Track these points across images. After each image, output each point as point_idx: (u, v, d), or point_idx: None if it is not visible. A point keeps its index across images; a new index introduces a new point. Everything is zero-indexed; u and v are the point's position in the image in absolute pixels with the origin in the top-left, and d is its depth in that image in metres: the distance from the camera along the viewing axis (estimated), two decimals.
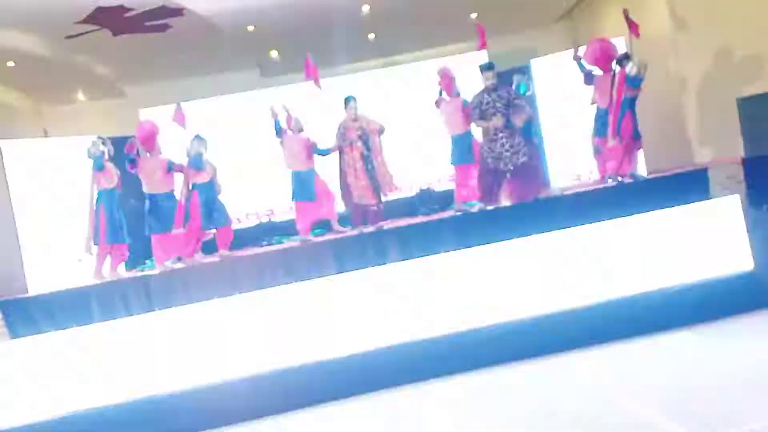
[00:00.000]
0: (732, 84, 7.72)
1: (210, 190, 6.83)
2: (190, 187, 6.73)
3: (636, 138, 7.09)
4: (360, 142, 6.89)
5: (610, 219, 5.84)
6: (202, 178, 6.80)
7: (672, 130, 8.18)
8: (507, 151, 6.60)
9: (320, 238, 6.99)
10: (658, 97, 7.78)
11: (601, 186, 7.14)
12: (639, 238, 5.77)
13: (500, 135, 6.62)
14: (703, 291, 5.68)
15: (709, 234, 5.84)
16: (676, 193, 6.35)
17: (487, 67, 6.82)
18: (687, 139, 8.14)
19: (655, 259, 5.73)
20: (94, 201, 6.62)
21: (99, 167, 6.58)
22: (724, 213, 5.90)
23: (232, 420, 5.16)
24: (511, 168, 6.59)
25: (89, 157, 6.66)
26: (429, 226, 6.58)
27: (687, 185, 6.56)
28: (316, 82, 7.15)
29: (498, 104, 6.66)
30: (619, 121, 6.98)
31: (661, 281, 5.70)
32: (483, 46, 7.46)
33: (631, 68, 6.98)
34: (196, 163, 6.72)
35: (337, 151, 7.04)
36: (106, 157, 6.67)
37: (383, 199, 7.07)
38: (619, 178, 7.02)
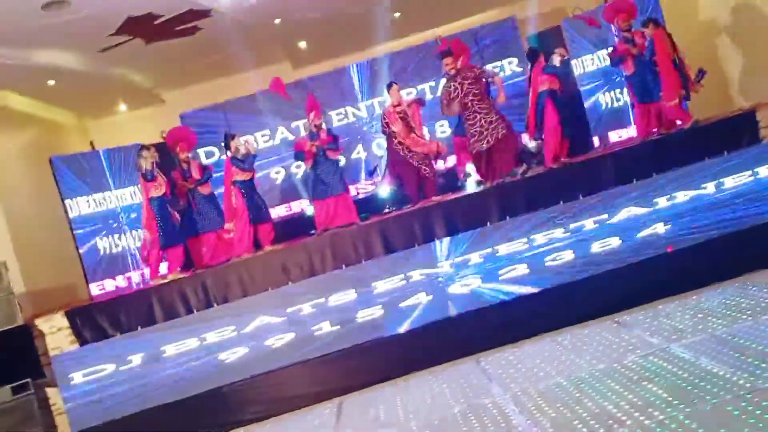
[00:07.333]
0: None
1: (251, 187, 7.04)
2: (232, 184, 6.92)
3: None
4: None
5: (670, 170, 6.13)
6: (246, 176, 6.95)
7: (711, 77, 7.89)
8: (485, 128, 6.59)
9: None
10: (695, 44, 7.52)
11: (656, 137, 6.82)
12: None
13: (478, 116, 6.62)
14: None
15: None
16: (727, 139, 6.19)
17: (445, 54, 6.76)
18: (729, 84, 7.86)
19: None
20: (147, 209, 6.73)
21: (149, 176, 6.64)
22: None
23: None
24: (492, 143, 6.60)
25: (137, 169, 6.79)
26: None
27: (737, 130, 6.36)
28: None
29: (467, 87, 6.59)
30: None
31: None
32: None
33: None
34: (250, 164, 6.98)
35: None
36: (153, 165, 6.71)
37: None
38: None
